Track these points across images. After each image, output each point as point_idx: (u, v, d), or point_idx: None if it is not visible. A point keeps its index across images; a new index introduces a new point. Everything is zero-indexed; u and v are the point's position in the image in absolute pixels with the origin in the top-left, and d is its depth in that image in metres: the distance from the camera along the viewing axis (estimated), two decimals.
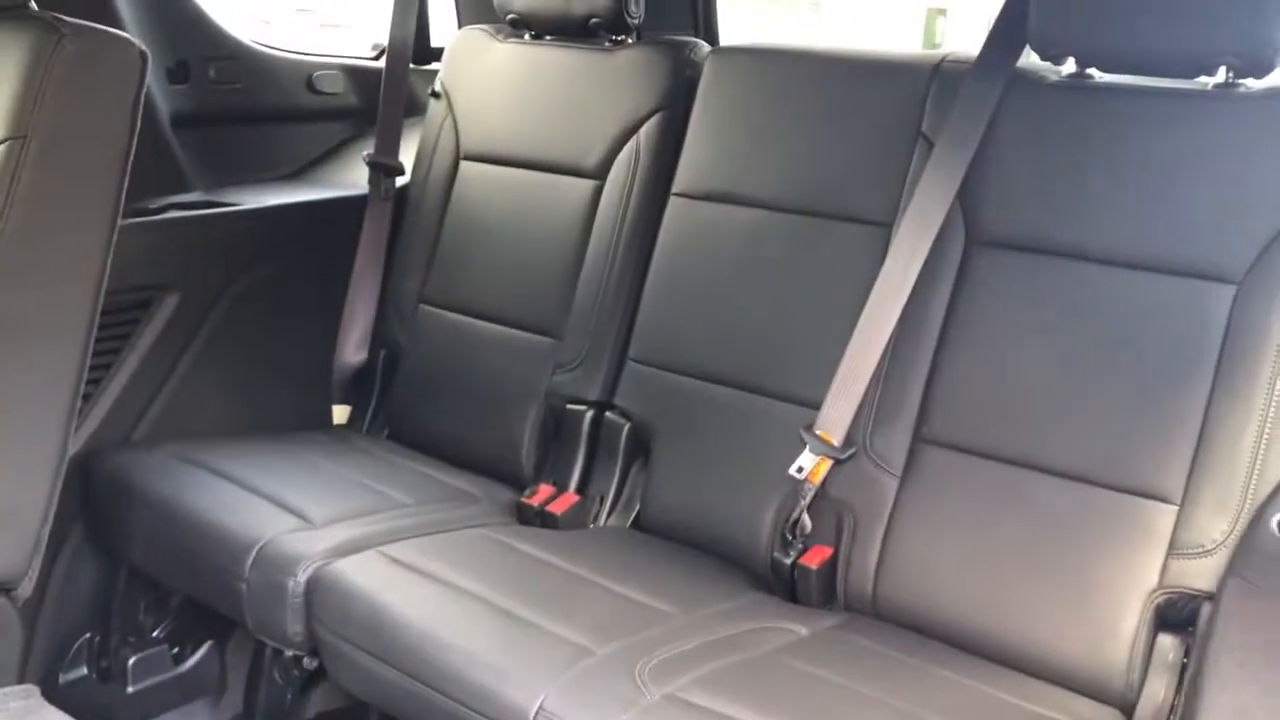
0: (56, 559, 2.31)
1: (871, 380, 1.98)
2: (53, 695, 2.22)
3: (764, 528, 2.07)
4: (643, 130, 2.40)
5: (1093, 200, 1.89)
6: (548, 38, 2.62)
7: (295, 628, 1.91)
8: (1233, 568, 0.97)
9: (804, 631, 1.86)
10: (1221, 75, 1.85)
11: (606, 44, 2.53)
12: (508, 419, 2.43)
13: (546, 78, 2.57)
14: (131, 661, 2.33)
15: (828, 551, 2.00)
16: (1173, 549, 1.73)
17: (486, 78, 2.66)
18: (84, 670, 2.36)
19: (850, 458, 1.99)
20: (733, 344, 2.21)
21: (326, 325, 2.65)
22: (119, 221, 1.78)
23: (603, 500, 2.30)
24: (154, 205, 2.46)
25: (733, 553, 2.11)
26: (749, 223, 2.24)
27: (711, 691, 1.60)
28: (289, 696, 2.24)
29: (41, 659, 2.32)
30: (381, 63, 2.88)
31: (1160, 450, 1.77)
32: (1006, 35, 2.01)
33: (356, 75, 3.06)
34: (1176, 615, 1.73)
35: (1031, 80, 2.00)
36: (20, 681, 1.76)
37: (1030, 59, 2.02)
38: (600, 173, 2.44)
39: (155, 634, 2.38)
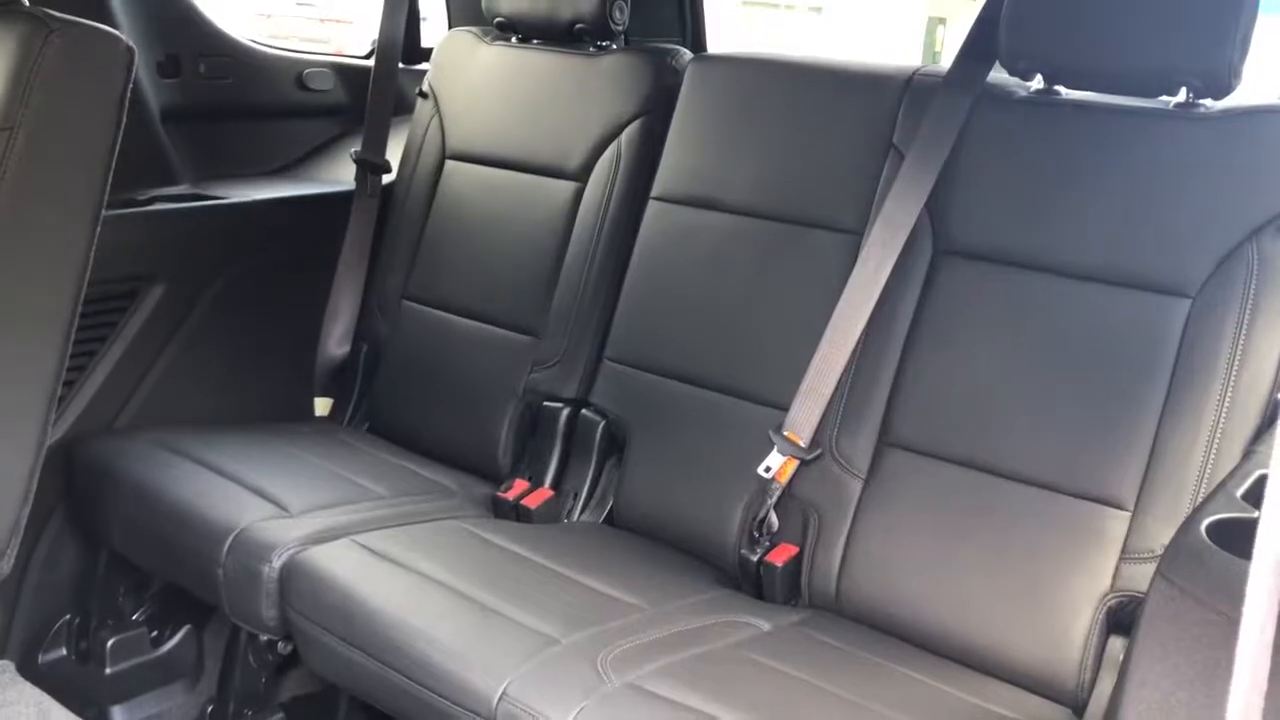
0: (38, 542, 2.34)
1: (838, 384, 2.02)
2: (31, 674, 2.25)
3: (732, 525, 2.11)
4: (624, 134, 2.44)
5: (1056, 213, 1.93)
6: (534, 41, 2.65)
7: (270, 613, 1.93)
8: (1160, 569, 1.02)
9: (766, 626, 1.89)
10: (1182, 95, 1.89)
11: (591, 49, 2.56)
12: (486, 415, 2.46)
13: (532, 81, 2.60)
14: (110, 643, 2.35)
15: (793, 549, 2.03)
16: (1125, 554, 1.77)
17: (473, 79, 2.69)
18: (63, 651, 2.39)
19: (816, 459, 2.03)
20: (706, 345, 2.25)
21: (310, 319, 2.67)
22: (104, 213, 1.81)
23: (576, 496, 2.33)
24: (142, 197, 2.49)
25: (702, 549, 2.15)
26: (724, 227, 2.28)
27: (671, 681, 1.63)
28: (263, 680, 2.26)
29: (21, 639, 2.35)
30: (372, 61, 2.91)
31: (1115, 458, 1.81)
32: (977, 50, 2.05)
33: (347, 73, 3.08)
34: (1127, 618, 1.76)
35: (1000, 95, 2.04)
36: None
37: (1000, 74, 2.06)
38: (582, 175, 2.48)
39: (134, 617, 2.41)
